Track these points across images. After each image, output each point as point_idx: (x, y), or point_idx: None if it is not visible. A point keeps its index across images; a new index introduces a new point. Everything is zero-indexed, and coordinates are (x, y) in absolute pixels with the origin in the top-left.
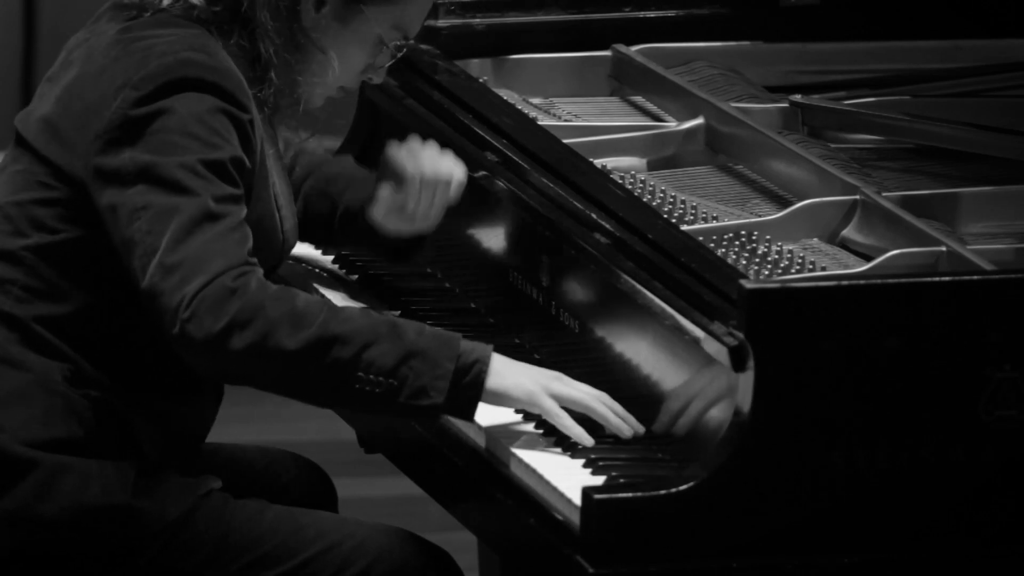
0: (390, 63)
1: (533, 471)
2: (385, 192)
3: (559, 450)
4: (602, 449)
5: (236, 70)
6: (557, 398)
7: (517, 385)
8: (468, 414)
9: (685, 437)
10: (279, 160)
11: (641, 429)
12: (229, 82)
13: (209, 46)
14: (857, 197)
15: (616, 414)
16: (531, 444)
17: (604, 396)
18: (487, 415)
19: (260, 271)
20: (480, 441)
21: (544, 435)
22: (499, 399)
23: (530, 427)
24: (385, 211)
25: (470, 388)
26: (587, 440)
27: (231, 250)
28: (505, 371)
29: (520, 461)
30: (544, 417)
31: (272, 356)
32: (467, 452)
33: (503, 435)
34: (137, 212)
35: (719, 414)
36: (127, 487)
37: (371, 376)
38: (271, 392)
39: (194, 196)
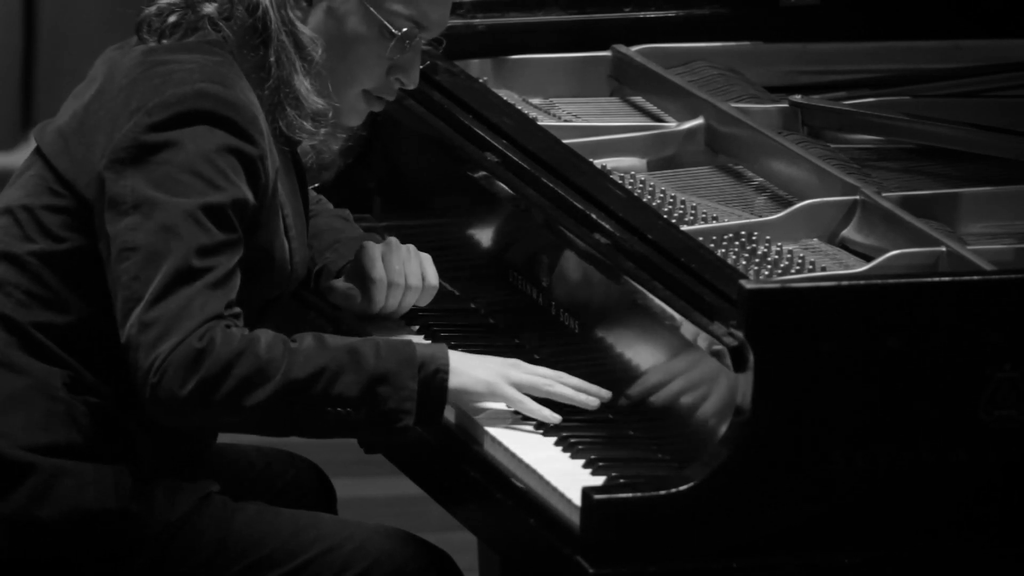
0: (423, 65)
1: (533, 471)
2: (346, 287)
3: (559, 450)
4: (602, 448)
5: (252, 103)
6: (517, 385)
7: (477, 380)
8: (437, 420)
9: (683, 434)
10: (294, 193)
11: (607, 394)
12: (242, 117)
13: (228, 77)
14: (857, 197)
15: (578, 388)
16: (531, 445)
17: (562, 375)
18: (487, 415)
19: (228, 322)
20: (481, 442)
21: (544, 435)
22: (462, 397)
23: (530, 427)
24: (343, 303)
25: (436, 398)
26: (554, 418)
27: (210, 305)
28: (464, 368)
29: (520, 462)
30: (508, 405)
31: (242, 410)
32: (467, 452)
33: (503, 436)
34: (126, 252)
35: (719, 414)
36: (125, 491)
37: (339, 409)
38: (248, 434)
39: (185, 245)
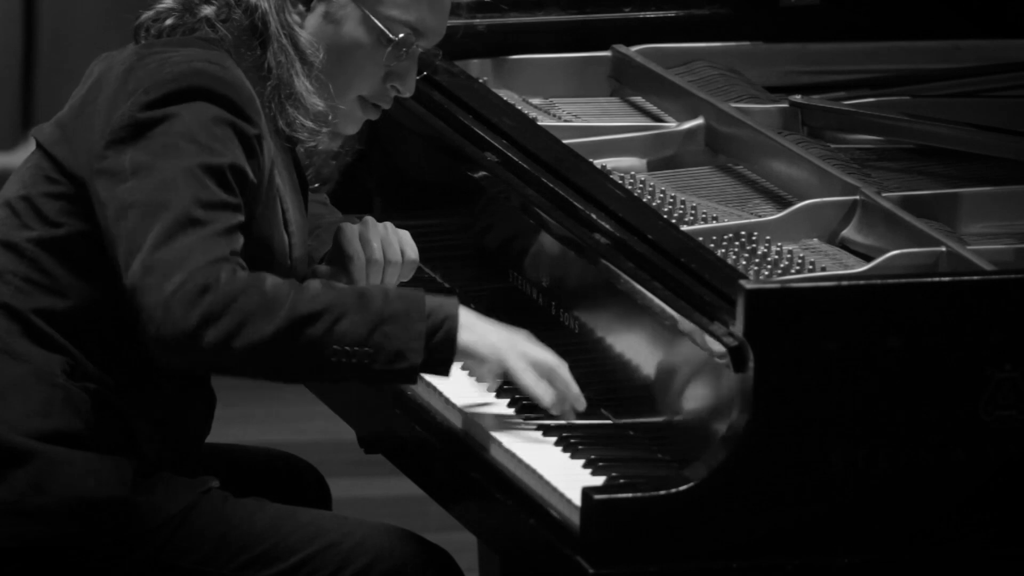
0: (421, 74)
1: (533, 471)
2: (327, 271)
3: (559, 449)
4: (602, 448)
5: (249, 86)
6: (524, 356)
7: (485, 342)
8: (445, 370)
9: (683, 434)
10: (295, 190)
11: (583, 405)
12: (239, 95)
13: (225, 61)
14: (857, 197)
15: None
16: (532, 444)
17: (567, 365)
18: (487, 416)
19: (233, 264)
20: (481, 442)
21: (544, 435)
22: (469, 354)
23: (530, 427)
24: None
25: (443, 344)
26: (547, 398)
27: (214, 249)
28: (474, 325)
29: (520, 461)
30: (508, 374)
31: (247, 346)
32: (467, 452)
33: (503, 436)
34: (126, 209)
35: (719, 414)
36: (125, 481)
37: (345, 347)
38: (249, 378)
39: (184, 198)
